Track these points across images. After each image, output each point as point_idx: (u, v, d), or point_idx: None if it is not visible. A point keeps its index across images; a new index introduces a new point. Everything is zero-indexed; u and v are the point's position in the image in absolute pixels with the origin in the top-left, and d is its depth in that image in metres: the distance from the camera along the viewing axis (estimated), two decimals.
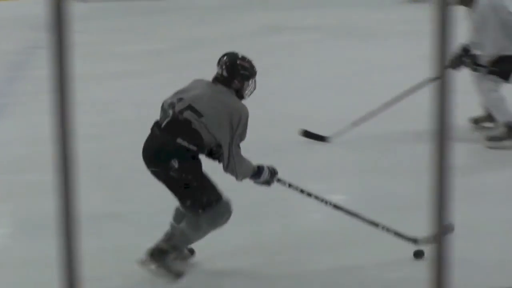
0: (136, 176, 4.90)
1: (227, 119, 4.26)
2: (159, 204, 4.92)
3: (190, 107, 4.31)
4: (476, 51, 6.58)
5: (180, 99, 4.35)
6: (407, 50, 9.58)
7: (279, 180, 4.55)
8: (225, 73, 4.38)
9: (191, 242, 4.43)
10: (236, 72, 4.39)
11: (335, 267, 4.48)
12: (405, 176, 5.78)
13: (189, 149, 4.26)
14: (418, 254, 4.50)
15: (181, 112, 4.31)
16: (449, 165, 2.14)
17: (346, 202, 4.83)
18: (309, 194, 4.67)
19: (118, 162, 6.21)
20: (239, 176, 4.34)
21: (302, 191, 4.66)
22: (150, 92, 7.80)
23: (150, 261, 4.37)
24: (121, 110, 7.77)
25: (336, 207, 4.66)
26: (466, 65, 6.53)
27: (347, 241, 4.80)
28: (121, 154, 6.34)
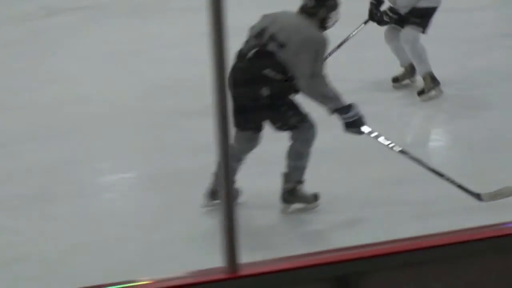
0: None
1: (307, 48, 4.51)
2: None
3: (273, 39, 4.58)
4: (388, 4, 6.76)
5: (264, 30, 4.62)
6: (187, 27, 9.65)
7: (369, 132, 4.73)
8: (313, 2, 4.69)
9: (305, 168, 4.79)
10: (323, 1, 4.68)
11: None
12: (188, 152, 5.84)
13: (275, 79, 4.56)
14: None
15: (265, 44, 4.60)
16: (229, 139, 2.22)
17: (132, 180, 4.85)
18: (402, 151, 4.82)
19: None
20: (326, 101, 4.58)
21: (390, 145, 4.82)
22: None
23: (288, 205, 4.84)
24: None
25: (402, 152, 4.83)
26: (386, 18, 6.72)
27: None
28: None
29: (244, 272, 2.35)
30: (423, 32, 6.80)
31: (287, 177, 4.83)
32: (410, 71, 7.11)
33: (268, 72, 4.56)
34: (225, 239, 2.28)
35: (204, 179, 4.82)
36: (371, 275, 2.60)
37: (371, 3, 6.84)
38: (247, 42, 4.70)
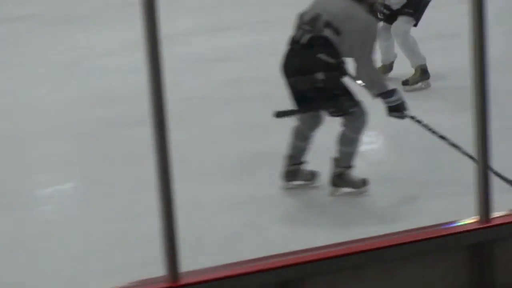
0: None
1: (362, 34, 4.76)
2: None
3: (328, 25, 4.75)
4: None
5: (318, 17, 4.78)
6: (123, 35, 9.59)
7: (412, 117, 4.96)
8: None
9: (355, 154, 4.97)
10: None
11: None
12: (126, 161, 5.80)
13: (330, 63, 4.74)
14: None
15: (320, 30, 4.75)
16: (168, 146, 2.20)
17: (69, 191, 4.78)
18: (442, 137, 5.02)
19: None
20: (374, 86, 4.84)
21: (432, 131, 5.04)
22: None
23: (337, 189, 5.01)
24: None
25: (442, 137, 5.03)
26: (380, 15, 6.69)
27: None
28: None
29: (185, 280, 2.34)
30: (416, 24, 6.94)
31: (337, 161, 5.00)
32: (388, 69, 7.21)
33: (322, 56, 4.75)
34: (165, 247, 2.27)
35: (143, 188, 4.78)
36: (312, 280, 2.62)
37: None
38: (299, 28, 4.87)
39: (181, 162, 4.82)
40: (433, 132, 5.09)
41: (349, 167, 5.01)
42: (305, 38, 4.80)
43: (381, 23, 6.81)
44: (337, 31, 4.75)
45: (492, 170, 4.80)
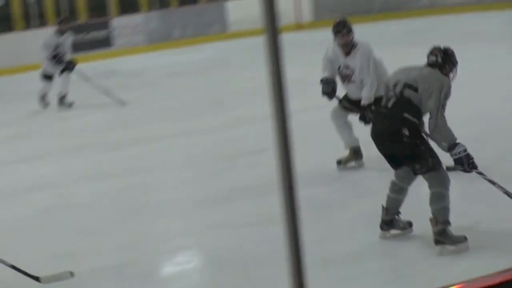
0: None
1: (437, 90, 5.28)
2: None
3: (407, 86, 5.37)
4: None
5: (399, 81, 5.42)
6: None
7: (478, 172, 5.38)
8: (439, 59, 5.48)
9: (448, 210, 5.30)
10: (448, 59, 5.49)
11: None
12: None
13: (413, 121, 5.32)
14: None
15: (402, 92, 5.38)
16: None
17: None
18: (507, 192, 5.52)
19: None
20: (443, 138, 5.25)
21: (499, 186, 5.52)
22: None
23: (443, 246, 5.30)
24: None
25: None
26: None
27: None
28: None
29: None
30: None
31: (434, 220, 5.33)
32: (354, 154, 7.49)
33: (407, 115, 5.33)
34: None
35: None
36: None
37: (364, 107, 7.27)
38: (385, 96, 5.49)
39: None
40: (499, 187, 5.54)
41: (447, 222, 5.33)
42: (390, 102, 5.43)
43: (336, 105, 7.50)
44: (415, 89, 5.37)
45: None
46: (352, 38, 7.36)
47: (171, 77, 13.75)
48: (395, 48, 14.88)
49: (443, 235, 5.33)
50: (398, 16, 19.79)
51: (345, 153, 7.55)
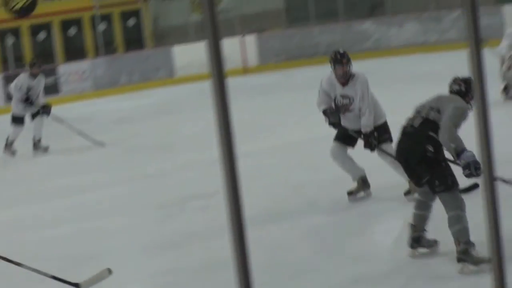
0: None
1: (454, 107, 5.64)
2: None
3: (432, 109, 5.76)
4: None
5: (425, 106, 5.82)
6: None
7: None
8: (462, 88, 5.90)
9: (467, 229, 5.50)
10: (470, 88, 5.83)
11: None
12: None
13: (437, 140, 5.62)
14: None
15: (427, 114, 5.75)
16: None
17: None
18: None
19: None
20: (452, 140, 5.49)
21: None
22: None
23: (464, 265, 5.48)
24: None
25: None
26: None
27: None
28: None
29: None
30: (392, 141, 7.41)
31: (457, 241, 5.53)
32: (363, 184, 7.63)
33: (432, 134, 5.67)
34: None
35: None
36: None
37: (367, 134, 7.41)
38: (413, 117, 5.84)
39: None
40: None
41: (469, 242, 5.50)
42: (417, 122, 5.79)
43: (334, 143, 7.62)
44: (438, 111, 5.72)
45: None
46: (350, 68, 7.52)
47: (119, 123, 13.72)
48: None
49: (466, 254, 5.51)
50: None
51: (353, 185, 7.70)
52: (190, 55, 19.93)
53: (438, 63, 17.27)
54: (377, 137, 7.48)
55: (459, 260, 5.54)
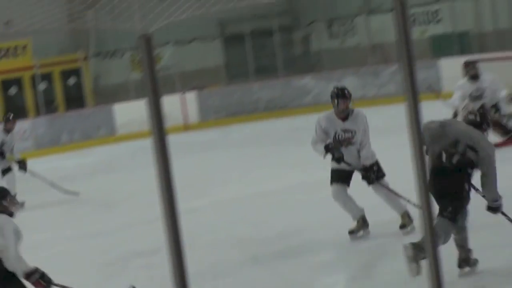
0: None
1: (478, 143, 6.22)
2: None
3: (470, 148, 6.21)
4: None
5: (458, 141, 6.24)
6: None
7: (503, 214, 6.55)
8: (478, 119, 6.42)
9: (467, 238, 6.39)
10: (486, 119, 6.47)
11: None
12: None
13: (471, 176, 6.25)
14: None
15: (464, 151, 6.21)
16: None
17: None
18: None
19: None
20: (494, 181, 6.22)
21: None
22: None
23: (462, 269, 6.35)
24: None
25: None
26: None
27: None
28: None
29: None
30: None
31: (458, 245, 6.34)
32: (363, 223, 7.87)
33: (470, 171, 6.23)
34: None
35: None
36: None
37: (366, 168, 7.67)
38: (445, 152, 6.26)
39: None
40: None
41: (468, 250, 6.36)
42: (454, 159, 6.23)
43: (334, 184, 7.83)
44: (475, 150, 6.20)
45: None
46: (350, 103, 7.80)
47: (60, 182, 13.56)
48: (282, 146, 15.17)
49: (467, 262, 6.40)
50: (284, 114, 20.13)
51: (352, 224, 7.94)
52: (131, 113, 19.89)
53: (377, 117, 17.47)
54: (375, 171, 7.73)
55: (459, 266, 6.35)
